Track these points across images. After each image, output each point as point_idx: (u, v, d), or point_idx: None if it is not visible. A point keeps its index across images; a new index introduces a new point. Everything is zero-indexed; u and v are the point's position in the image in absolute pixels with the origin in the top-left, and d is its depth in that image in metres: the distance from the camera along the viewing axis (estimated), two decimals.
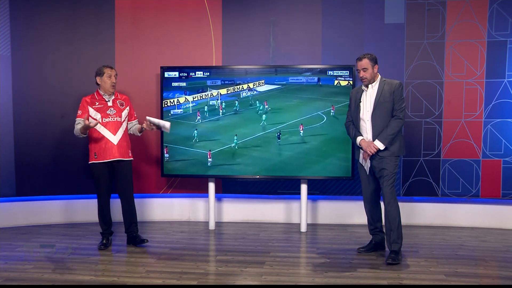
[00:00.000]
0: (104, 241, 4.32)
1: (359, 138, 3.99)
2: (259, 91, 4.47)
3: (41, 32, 5.09)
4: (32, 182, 5.09)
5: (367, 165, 3.99)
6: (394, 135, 3.88)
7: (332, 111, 4.41)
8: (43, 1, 5.08)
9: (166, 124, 4.23)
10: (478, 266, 3.80)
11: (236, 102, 4.74)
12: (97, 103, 4.27)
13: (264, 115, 4.73)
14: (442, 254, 4.09)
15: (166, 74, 4.93)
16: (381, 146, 3.86)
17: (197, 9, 5.18)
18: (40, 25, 5.08)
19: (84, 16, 5.13)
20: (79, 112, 4.27)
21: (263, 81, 4.33)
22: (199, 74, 4.89)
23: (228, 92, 4.53)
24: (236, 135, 4.74)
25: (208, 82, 4.53)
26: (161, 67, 4.94)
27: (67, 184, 5.16)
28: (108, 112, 4.26)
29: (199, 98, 4.57)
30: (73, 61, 5.13)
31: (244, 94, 4.35)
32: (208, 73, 4.89)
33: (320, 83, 4.38)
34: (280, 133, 4.58)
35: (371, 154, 3.89)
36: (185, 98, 4.77)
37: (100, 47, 5.16)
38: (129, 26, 5.19)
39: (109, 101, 4.30)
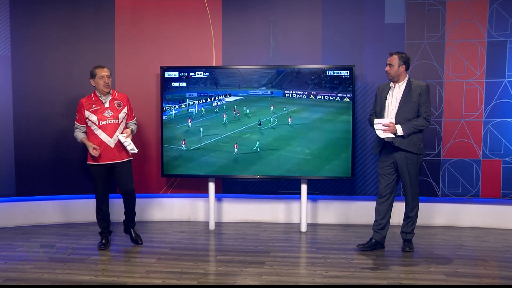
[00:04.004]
0: (104, 241, 4.32)
1: (377, 120, 4.04)
2: (227, 101, 4.96)
3: (41, 32, 5.08)
4: (32, 182, 5.09)
5: (387, 136, 3.99)
6: (417, 130, 3.96)
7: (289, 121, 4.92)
8: (43, 1, 5.08)
9: (129, 147, 4.19)
10: (478, 266, 3.80)
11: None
12: (93, 106, 4.23)
13: (274, 119, 4.88)
14: (442, 254, 4.09)
15: (166, 74, 4.93)
16: (400, 130, 3.93)
17: (197, 9, 5.18)
18: (40, 25, 5.08)
19: (84, 16, 5.13)
20: (77, 115, 4.28)
21: (229, 94, 4.94)
22: (199, 74, 4.90)
23: (207, 101, 5.00)
24: (258, 140, 4.85)
25: (187, 95, 4.96)
26: (161, 67, 4.94)
27: (67, 184, 5.16)
28: (105, 114, 4.22)
29: (179, 107, 5.01)
30: (73, 61, 5.13)
31: (215, 103, 4.97)
32: (208, 73, 4.90)
33: (272, 95, 4.91)
34: (260, 121, 4.92)
35: (388, 131, 3.93)
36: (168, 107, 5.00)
37: (100, 47, 5.16)
38: (129, 26, 5.19)
39: (105, 102, 4.25)
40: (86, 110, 4.22)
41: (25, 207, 5.14)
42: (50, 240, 4.54)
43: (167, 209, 5.39)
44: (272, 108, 4.88)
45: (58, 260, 3.94)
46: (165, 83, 4.94)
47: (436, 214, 5.11)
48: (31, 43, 5.07)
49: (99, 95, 4.27)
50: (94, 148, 4.15)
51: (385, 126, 3.95)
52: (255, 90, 4.91)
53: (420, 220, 5.06)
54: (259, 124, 4.88)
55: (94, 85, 4.28)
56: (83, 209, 5.25)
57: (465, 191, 4.99)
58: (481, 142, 4.93)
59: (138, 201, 5.01)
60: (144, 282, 3.44)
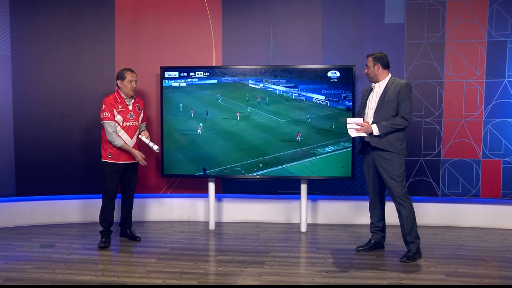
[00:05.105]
0: (104, 240, 4.33)
1: (349, 119, 4.01)
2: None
3: (41, 32, 5.08)
4: (32, 182, 5.09)
5: (361, 135, 3.97)
6: (394, 129, 3.88)
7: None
8: (43, 1, 5.08)
9: (155, 146, 4.45)
10: (478, 266, 3.80)
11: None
12: (120, 106, 4.33)
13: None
14: (442, 254, 4.09)
15: (166, 74, 4.93)
16: (376, 130, 3.89)
17: (197, 9, 5.18)
18: (40, 25, 5.08)
19: (84, 16, 5.13)
20: (108, 114, 4.27)
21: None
22: (199, 74, 4.90)
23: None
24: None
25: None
26: (161, 67, 4.94)
27: (67, 184, 5.15)
28: (128, 116, 4.37)
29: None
30: (73, 61, 5.13)
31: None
32: (208, 73, 4.90)
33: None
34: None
35: (362, 131, 3.90)
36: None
37: (100, 47, 5.16)
38: (129, 26, 5.19)
39: (129, 104, 4.40)
40: (114, 108, 4.31)
41: (25, 207, 5.14)
42: (50, 240, 4.54)
43: (167, 209, 5.39)
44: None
45: (58, 260, 3.94)
46: (165, 83, 4.93)
47: (436, 214, 5.11)
48: (31, 43, 5.07)
49: (124, 97, 4.38)
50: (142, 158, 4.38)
51: (359, 125, 3.92)
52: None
53: (420, 220, 5.06)
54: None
55: (120, 86, 4.37)
56: (83, 209, 5.25)
57: (465, 191, 4.99)
58: (481, 142, 4.93)
59: (138, 201, 5.04)
60: (144, 282, 3.44)
